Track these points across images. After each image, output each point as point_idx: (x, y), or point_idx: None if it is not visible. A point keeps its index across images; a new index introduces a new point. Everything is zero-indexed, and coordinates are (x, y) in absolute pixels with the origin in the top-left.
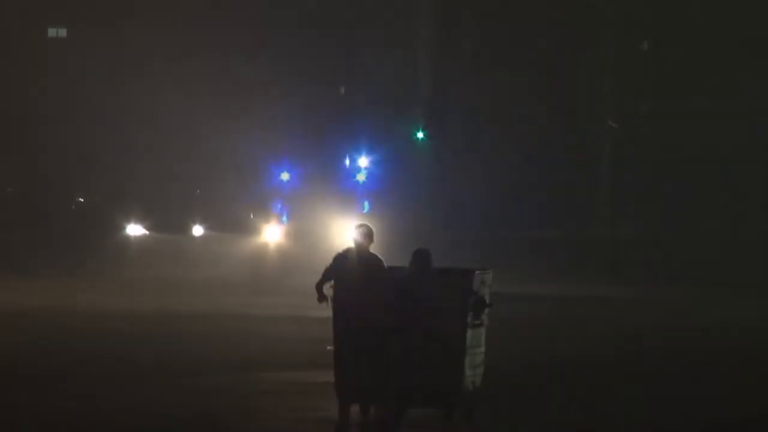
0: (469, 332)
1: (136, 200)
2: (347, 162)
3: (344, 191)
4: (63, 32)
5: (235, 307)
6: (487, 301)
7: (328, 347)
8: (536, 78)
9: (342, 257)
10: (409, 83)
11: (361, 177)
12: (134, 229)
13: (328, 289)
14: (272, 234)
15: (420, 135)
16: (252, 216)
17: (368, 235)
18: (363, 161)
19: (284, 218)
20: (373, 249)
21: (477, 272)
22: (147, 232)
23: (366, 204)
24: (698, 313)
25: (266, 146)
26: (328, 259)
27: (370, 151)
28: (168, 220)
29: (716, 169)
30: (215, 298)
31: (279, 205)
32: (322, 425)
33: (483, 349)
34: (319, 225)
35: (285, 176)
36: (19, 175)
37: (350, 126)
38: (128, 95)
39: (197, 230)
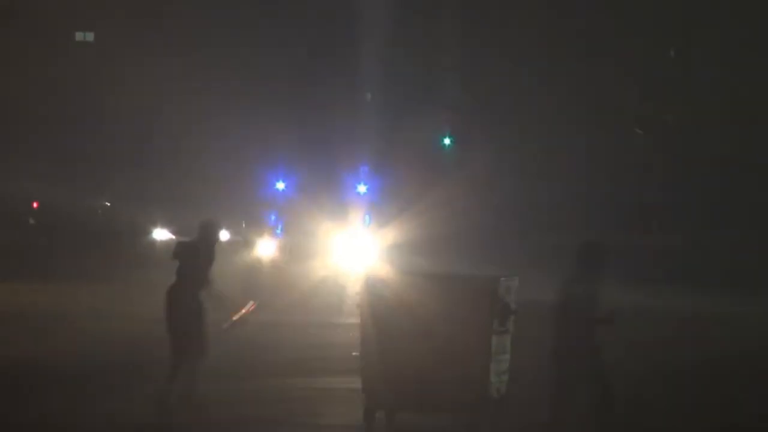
0: (495, 339)
1: (162, 203)
2: (358, 172)
3: (345, 203)
4: (90, 36)
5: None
6: (512, 308)
7: (354, 353)
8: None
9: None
10: (433, 89)
11: (362, 188)
12: (160, 234)
13: (355, 295)
14: (266, 248)
15: (447, 141)
16: (243, 225)
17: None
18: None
19: (278, 231)
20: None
21: (502, 279)
22: (173, 237)
23: (367, 217)
24: None
25: (264, 153)
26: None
27: (382, 160)
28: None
29: (754, 176)
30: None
31: (273, 217)
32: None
33: (508, 356)
34: (317, 240)
35: (280, 185)
36: (49, 179)
37: (364, 133)
38: (152, 99)
39: (224, 235)
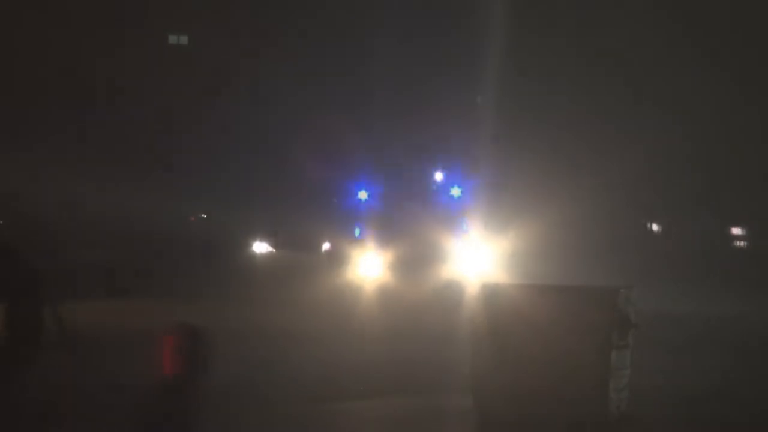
0: (614, 353)
1: (261, 216)
2: (438, 177)
3: (439, 209)
4: (184, 39)
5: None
6: (632, 321)
7: (464, 370)
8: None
9: None
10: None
11: (456, 192)
12: (260, 247)
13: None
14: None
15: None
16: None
17: None
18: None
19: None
20: None
21: (621, 290)
22: (273, 250)
23: (464, 224)
24: None
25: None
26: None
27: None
28: (293, 238)
29: None
30: (341, 317)
31: (359, 229)
32: None
33: (628, 371)
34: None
35: (363, 195)
36: (149, 188)
37: (443, 139)
38: (244, 103)
39: (325, 246)
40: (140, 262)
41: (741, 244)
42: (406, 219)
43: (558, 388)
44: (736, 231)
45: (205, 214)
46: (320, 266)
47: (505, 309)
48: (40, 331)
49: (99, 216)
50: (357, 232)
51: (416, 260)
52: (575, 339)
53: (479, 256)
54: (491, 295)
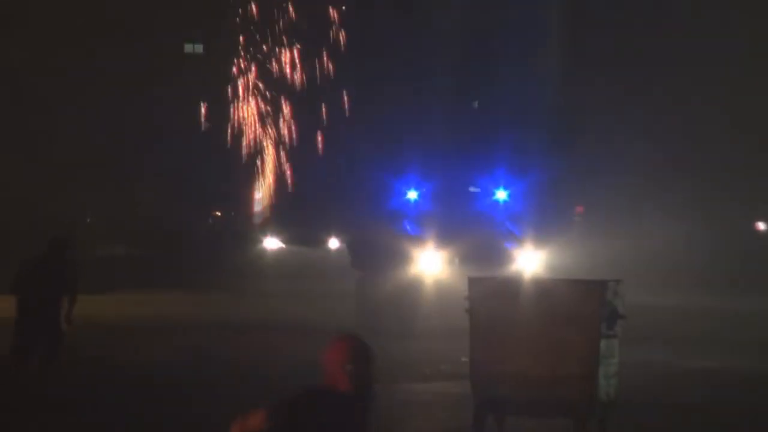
0: (603, 342)
1: (273, 214)
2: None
3: (489, 211)
4: (199, 48)
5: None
6: (620, 312)
7: (463, 358)
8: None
9: None
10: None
11: (501, 195)
12: (271, 243)
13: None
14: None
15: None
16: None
17: None
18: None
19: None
20: None
21: (610, 283)
22: (283, 246)
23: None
24: None
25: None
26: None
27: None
28: (303, 234)
29: None
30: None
31: (408, 226)
32: None
33: (616, 360)
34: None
35: (412, 195)
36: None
37: (486, 140)
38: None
39: (333, 243)
40: (160, 257)
41: None
42: (458, 219)
43: (550, 376)
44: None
45: (218, 212)
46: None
47: (498, 301)
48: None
49: (118, 213)
50: (409, 229)
51: (473, 259)
52: (566, 329)
53: (533, 259)
54: (483, 288)
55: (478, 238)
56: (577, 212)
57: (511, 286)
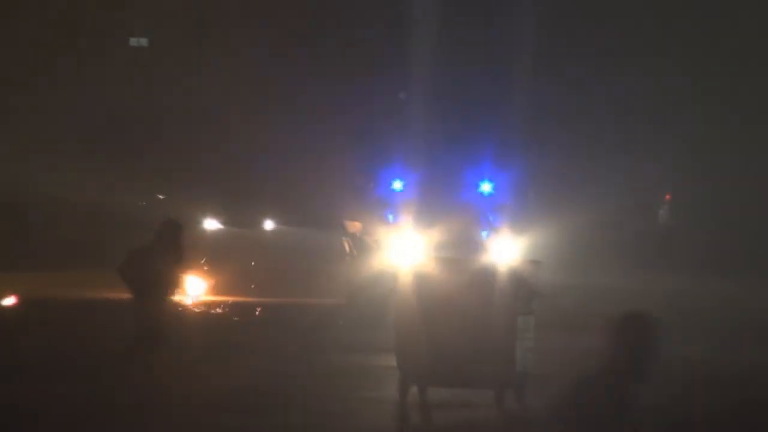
0: (520, 318)
1: (212, 197)
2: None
3: (470, 202)
4: (144, 42)
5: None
6: (536, 290)
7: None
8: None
9: None
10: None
11: (486, 187)
12: (210, 224)
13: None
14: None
15: None
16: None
17: None
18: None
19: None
20: None
21: (528, 263)
22: (222, 227)
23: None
24: None
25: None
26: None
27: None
28: (241, 215)
29: None
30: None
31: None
32: (383, 405)
33: (532, 335)
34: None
35: (397, 185)
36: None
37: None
38: (211, 102)
39: (268, 224)
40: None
41: None
42: (440, 210)
43: (471, 350)
44: None
45: (161, 195)
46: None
47: (421, 282)
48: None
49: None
50: (390, 218)
51: (450, 249)
52: (486, 306)
53: (509, 248)
54: (409, 270)
55: (455, 227)
56: (666, 199)
57: (436, 266)
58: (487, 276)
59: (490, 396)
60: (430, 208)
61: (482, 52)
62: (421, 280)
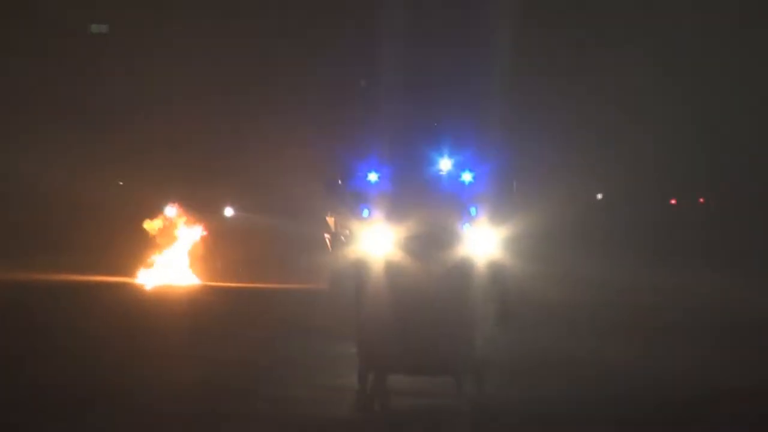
0: (477, 308)
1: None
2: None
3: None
4: (105, 28)
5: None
6: (496, 281)
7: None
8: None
9: None
10: None
11: (467, 176)
12: (171, 211)
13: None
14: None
15: None
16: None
17: None
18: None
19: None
20: None
21: (492, 256)
22: (182, 213)
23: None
24: None
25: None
26: None
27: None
28: (202, 202)
29: None
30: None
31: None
32: (341, 392)
33: (490, 324)
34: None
35: (373, 177)
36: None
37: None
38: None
39: (228, 211)
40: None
41: None
42: (416, 201)
43: (428, 338)
44: None
45: (121, 181)
46: None
47: (386, 271)
48: None
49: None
50: (365, 212)
51: (425, 241)
52: (444, 296)
53: (487, 240)
54: (366, 261)
55: (430, 218)
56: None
57: (400, 256)
58: (451, 266)
59: (450, 383)
60: (407, 199)
61: (464, 35)
62: (383, 270)
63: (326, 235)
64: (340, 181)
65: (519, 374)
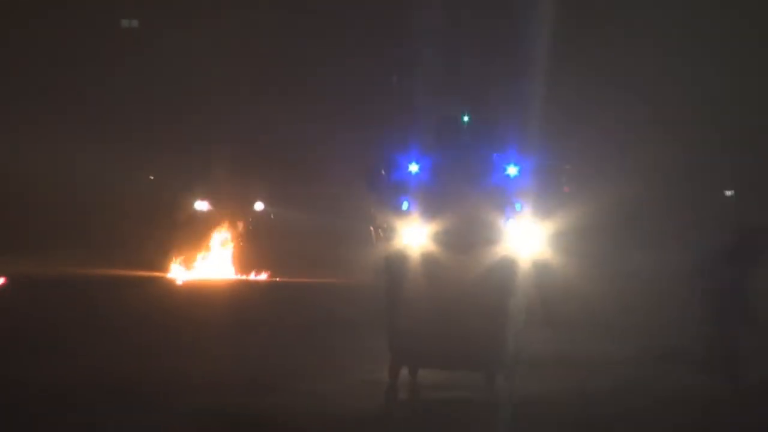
0: (511, 301)
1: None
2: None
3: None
4: (135, 23)
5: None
6: (531, 273)
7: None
8: None
9: None
10: None
11: (512, 170)
12: (201, 205)
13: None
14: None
15: None
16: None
17: None
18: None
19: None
20: None
21: (522, 253)
22: (212, 208)
23: (518, 205)
24: None
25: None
26: None
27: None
28: (231, 196)
29: None
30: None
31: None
32: (373, 386)
33: (524, 317)
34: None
35: (414, 168)
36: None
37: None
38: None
39: (258, 206)
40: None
41: None
42: (458, 194)
43: (461, 332)
44: None
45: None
46: None
47: (418, 264)
48: None
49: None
50: (405, 205)
51: (465, 235)
52: (477, 289)
53: (532, 236)
54: (400, 253)
55: (471, 212)
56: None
57: (434, 250)
58: (491, 262)
59: (481, 379)
60: (448, 192)
61: (510, 27)
62: (420, 264)
63: (371, 228)
64: (383, 172)
65: (556, 372)
